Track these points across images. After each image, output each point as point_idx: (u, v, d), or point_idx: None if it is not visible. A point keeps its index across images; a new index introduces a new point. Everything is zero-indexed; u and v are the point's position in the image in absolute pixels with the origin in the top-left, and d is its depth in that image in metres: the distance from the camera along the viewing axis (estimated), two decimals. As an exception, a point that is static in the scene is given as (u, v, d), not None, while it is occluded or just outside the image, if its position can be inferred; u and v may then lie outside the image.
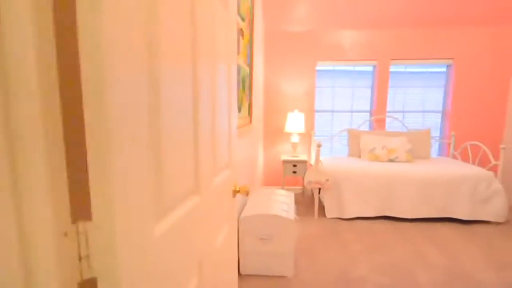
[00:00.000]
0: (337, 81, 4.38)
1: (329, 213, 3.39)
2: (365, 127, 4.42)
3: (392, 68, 4.27)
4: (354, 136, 4.11)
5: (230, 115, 1.10)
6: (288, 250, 2.04)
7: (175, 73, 0.62)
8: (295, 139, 4.03)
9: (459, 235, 2.95)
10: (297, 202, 3.96)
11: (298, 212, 3.55)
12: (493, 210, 3.18)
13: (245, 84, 2.26)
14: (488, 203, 3.20)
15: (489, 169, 3.43)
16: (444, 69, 4.30)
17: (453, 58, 4.14)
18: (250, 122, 2.69)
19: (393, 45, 4.17)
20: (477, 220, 3.25)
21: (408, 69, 4.33)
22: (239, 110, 2.09)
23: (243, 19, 2.05)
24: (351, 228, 3.11)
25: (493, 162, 3.39)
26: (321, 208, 3.56)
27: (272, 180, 4.51)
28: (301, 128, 3.96)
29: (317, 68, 4.34)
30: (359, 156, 4.04)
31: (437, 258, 2.50)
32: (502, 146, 3.26)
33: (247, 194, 1.13)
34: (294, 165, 3.88)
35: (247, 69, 2.38)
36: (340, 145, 4.42)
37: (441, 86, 4.34)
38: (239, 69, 1.99)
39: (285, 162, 3.87)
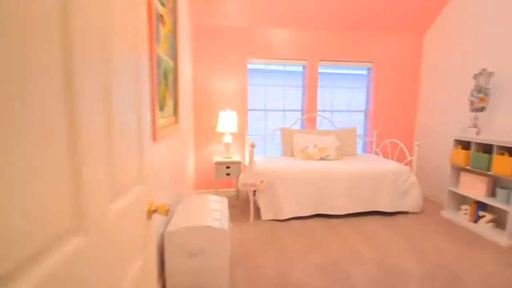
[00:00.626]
0: (269, 80, 4.35)
1: (265, 215, 3.31)
2: (297, 126, 4.47)
3: (320, 69, 4.39)
4: (287, 135, 4.11)
5: (141, 116, 0.86)
6: (222, 263, 1.86)
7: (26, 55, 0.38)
8: (228, 139, 3.86)
9: (385, 228, 3.12)
10: (231, 206, 3.80)
11: (232, 217, 3.39)
12: (410, 202, 3.46)
13: (168, 79, 2.00)
14: (406, 195, 3.47)
15: (406, 164, 3.73)
16: (365, 72, 4.59)
17: (372, 62, 4.43)
18: (177, 122, 2.43)
19: (322, 46, 4.28)
20: (398, 211, 3.51)
21: (335, 71, 4.50)
22: (161, 109, 1.82)
23: (163, 4, 1.78)
24: (287, 229, 3.07)
25: (409, 157, 3.70)
26: (257, 210, 3.46)
27: (204, 184, 4.27)
28: (234, 128, 3.81)
29: (250, 66, 4.23)
30: (293, 155, 4.06)
31: (368, 253, 2.58)
32: (416, 143, 3.57)
33: (166, 213, 0.91)
34: (228, 167, 3.71)
35: (170, 62, 2.12)
36: (274, 145, 4.39)
37: (363, 87, 4.62)
38: (159, 61, 1.72)
39: (218, 164, 3.68)
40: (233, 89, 4.16)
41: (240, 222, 3.23)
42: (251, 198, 3.29)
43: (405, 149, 3.81)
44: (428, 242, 2.79)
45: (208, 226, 1.80)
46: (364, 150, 4.74)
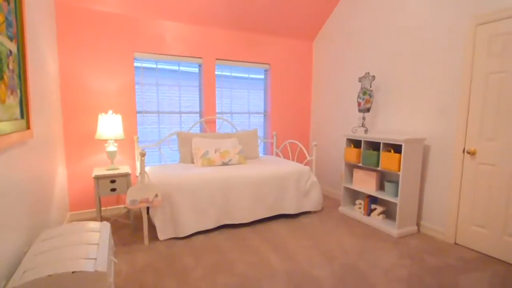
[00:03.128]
0: (162, 80, 3.87)
1: (163, 235, 2.85)
2: (196, 130, 4.12)
3: (218, 71, 4.15)
4: (185, 140, 3.71)
5: None
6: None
7: None
8: (112, 147, 3.22)
9: (292, 231, 3.05)
10: (120, 228, 3.18)
11: (122, 242, 2.82)
12: (312, 201, 3.53)
13: (3, 68, 1.39)
14: (308, 195, 3.53)
15: (306, 164, 3.83)
16: (262, 76, 4.57)
17: (269, 64, 4.45)
18: (29, 127, 1.79)
19: (218, 45, 4.04)
20: (301, 212, 3.54)
21: (234, 74, 4.33)
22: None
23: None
24: (189, 248, 2.68)
25: (308, 157, 3.80)
26: (153, 229, 2.97)
27: (84, 203, 3.50)
28: (119, 134, 3.20)
29: (140, 64, 3.68)
30: (193, 162, 3.69)
31: (279, 263, 2.42)
32: (314, 143, 3.68)
33: None
34: (113, 181, 3.08)
35: (9, 45, 1.50)
36: (170, 151, 3.93)
37: (261, 89, 4.59)
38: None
39: (99, 178, 3.01)
40: (117, 88, 3.53)
41: (131, 247, 2.69)
42: (145, 216, 2.78)
43: (304, 149, 3.91)
44: (332, 241, 2.83)
45: (74, 272, 1.30)
46: (265, 152, 4.73)
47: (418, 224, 3.15)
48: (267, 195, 3.24)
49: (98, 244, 1.65)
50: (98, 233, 1.81)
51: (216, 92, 4.16)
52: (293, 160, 4.43)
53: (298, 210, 3.45)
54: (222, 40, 4.06)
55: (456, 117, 2.81)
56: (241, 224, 3.20)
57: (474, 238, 2.70)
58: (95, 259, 1.46)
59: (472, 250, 2.71)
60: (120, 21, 3.45)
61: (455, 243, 2.85)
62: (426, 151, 3.07)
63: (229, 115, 4.33)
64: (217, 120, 4.17)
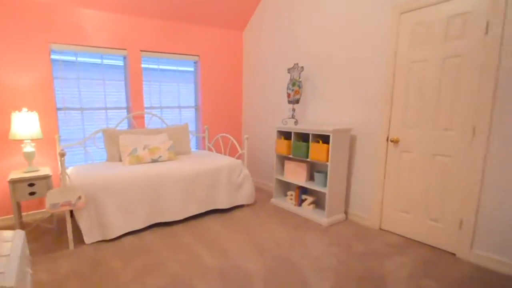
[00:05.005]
0: (85, 74, 3.67)
1: (89, 238, 2.80)
2: (124, 126, 4.01)
3: (145, 64, 4.07)
4: (111, 138, 3.61)
5: None
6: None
7: None
8: (28, 148, 3.02)
9: (225, 226, 3.21)
10: (44, 233, 3.03)
11: (45, 249, 2.71)
12: (245, 194, 3.72)
13: None
14: (241, 189, 3.70)
15: (238, 158, 3.98)
16: (192, 69, 4.58)
17: (199, 55, 4.47)
18: None
19: (143, 35, 3.96)
20: (235, 206, 3.71)
21: (162, 66, 4.27)
22: None
23: None
24: (118, 250, 2.68)
25: (240, 151, 3.96)
26: (78, 232, 2.88)
27: (2, 210, 3.25)
28: (36, 133, 3.01)
29: (58, 57, 3.44)
30: (120, 160, 3.60)
31: (211, 259, 2.53)
32: (245, 136, 3.83)
33: None
34: (31, 184, 2.91)
35: None
36: (97, 150, 3.78)
37: (192, 82, 4.61)
38: None
39: (15, 182, 2.82)
40: (32, 83, 3.29)
41: (55, 254, 2.60)
42: (68, 220, 2.69)
43: (236, 143, 4.06)
44: (264, 234, 3.01)
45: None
46: (198, 146, 4.79)
47: (346, 212, 3.44)
48: (199, 191, 3.34)
49: (9, 255, 1.60)
50: (9, 243, 1.75)
51: (144, 86, 4.09)
52: (225, 154, 4.56)
53: (231, 204, 3.61)
54: (148, 30, 3.99)
55: (380, 106, 2.99)
56: (173, 222, 3.27)
57: (398, 223, 2.96)
58: (3, 272, 1.42)
59: (396, 234, 2.97)
60: (32, 8, 3.21)
61: (380, 229, 3.12)
62: (352, 141, 3.30)
63: (158, 110, 4.29)
64: (145, 115, 4.12)
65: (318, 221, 3.29)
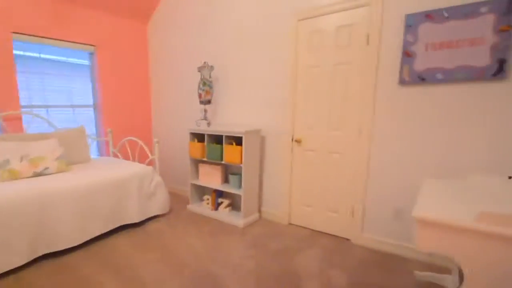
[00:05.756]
0: None
1: None
2: (-12, 131, 3.01)
3: (20, 51, 3.14)
4: (-32, 147, 2.62)
5: None
6: None
7: None
8: None
9: (136, 244, 2.67)
10: None
11: None
12: (158, 204, 3.21)
13: None
14: (154, 198, 3.19)
15: (149, 164, 3.45)
16: (87, 62, 3.79)
17: (95, 46, 3.72)
18: None
19: (16, 14, 3.02)
20: (147, 218, 3.18)
21: (45, 56, 3.37)
22: None
23: None
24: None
25: (151, 156, 3.43)
26: None
27: None
28: None
29: None
30: (-15, 176, 2.66)
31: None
32: (155, 140, 3.33)
33: None
34: None
35: None
36: None
37: (87, 77, 3.82)
38: None
39: None
40: None
41: None
42: None
43: (145, 147, 3.49)
44: (181, 247, 2.63)
45: None
46: (100, 153, 4.01)
47: (259, 211, 3.37)
48: (102, 206, 2.70)
49: None
50: None
51: (20, 79, 3.15)
52: (134, 160, 3.93)
53: (144, 217, 3.07)
54: (25, 7, 3.07)
55: (285, 109, 3.04)
56: (69, 249, 2.56)
57: (304, 216, 3.08)
58: None
59: (304, 227, 3.08)
60: None
61: (290, 224, 3.19)
62: (262, 142, 3.27)
63: (43, 109, 3.38)
64: (23, 116, 3.18)
65: (235, 224, 3.12)
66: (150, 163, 3.61)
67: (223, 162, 3.15)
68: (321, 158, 2.89)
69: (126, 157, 3.98)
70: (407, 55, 2.30)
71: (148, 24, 4.27)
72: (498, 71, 1.99)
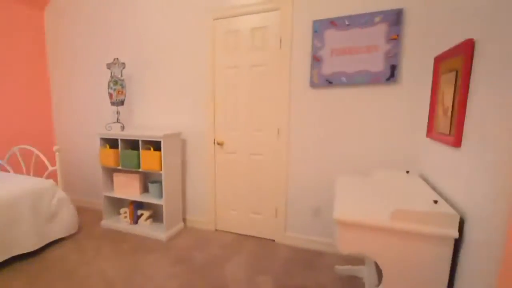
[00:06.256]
0: None
1: None
2: None
3: None
4: None
5: None
6: None
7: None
8: None
9: (32, 281, 2.17)
10: None
11: None
12: (62, 225, 2.74)
13: None
14: (56, 218, 2.70)
15: (48, 177, 2.94)
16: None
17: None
18: None
19: None
20: (48, 243, 2.69)
21: None
22: None
23: None
24: None
25: (50, 167, 2.92)
26: None
27: None
28: None
29: None
30: None
31: None
32: (56, 147, 2.84)
33: None
34: None
35: None
36: None
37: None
38: None
39: None
40: None
41: None
42: None
43: (43, 157, 2.95)
44: (93, 275, 2.24)
45: None
46: (-18, 167, 3.28)
47: (184, 219, 3.16)
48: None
49: None
50: None
51: None
52: (28, 174, 3.31)
53: (43, 243, 2.57)
54: None
55: (205, 110, 2.90)
56: None
57: (230, 221, 2.99)
58: None
59: (230, 232, 2.99)
60: None
61: (216, 230, 3.06)
62: (184, 145, 3.06)
63: None
64: None
65: (158, 237, 2.86)
66: (51, 176, 3.09)
67: (140, 170, 2.84)
68: (244, 160, 2.84)
69: (19, 170, 3.34)
70: (316, 59, 2.39)
71: (46, 10, 3.63)
72: (390, 76, 2.20)
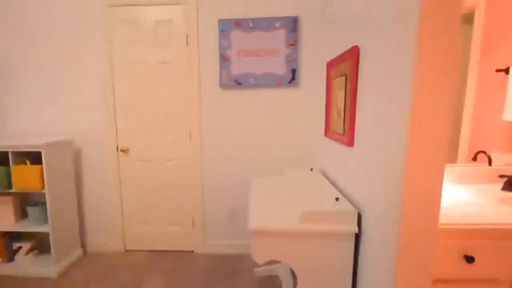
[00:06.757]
0: None
1: None
2: None
3: None
4: None
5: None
6: None
7: None
8: None
9: None
10: None
11: None
12: None
13: None
14: None
15: None
16: None
17: None
18: None
19: None
20: None
21: None
22: None
23: None
24: None
25: None
26: None
27: None
28: None
29: None
30: None
31: None
32: None
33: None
34: None
35: None
36: None
37: None
38: None
39: None
40: None
41: None
42: None
43: None
44: None
45: None
46: None
47: (84, 245, 2.65)
48: None
49: None
50: None
51: None
52: None
53: None
54: None
55: (105, 112, 2.49)
56: None
57: (142, 238, 2.64)
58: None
59: (142, 251, 2.64)
60: None
61: (126, 250, 2.65)
62: (77, 155, 2.55)
63: None
64: None
65: (45, 275, 2.26)
66: None
67: (13, 190, 2.19)
68: (154, 168, 2.55)
69: None
70: (224, 59, 2.32)
71: None
72: (292, 79, 2.28)
